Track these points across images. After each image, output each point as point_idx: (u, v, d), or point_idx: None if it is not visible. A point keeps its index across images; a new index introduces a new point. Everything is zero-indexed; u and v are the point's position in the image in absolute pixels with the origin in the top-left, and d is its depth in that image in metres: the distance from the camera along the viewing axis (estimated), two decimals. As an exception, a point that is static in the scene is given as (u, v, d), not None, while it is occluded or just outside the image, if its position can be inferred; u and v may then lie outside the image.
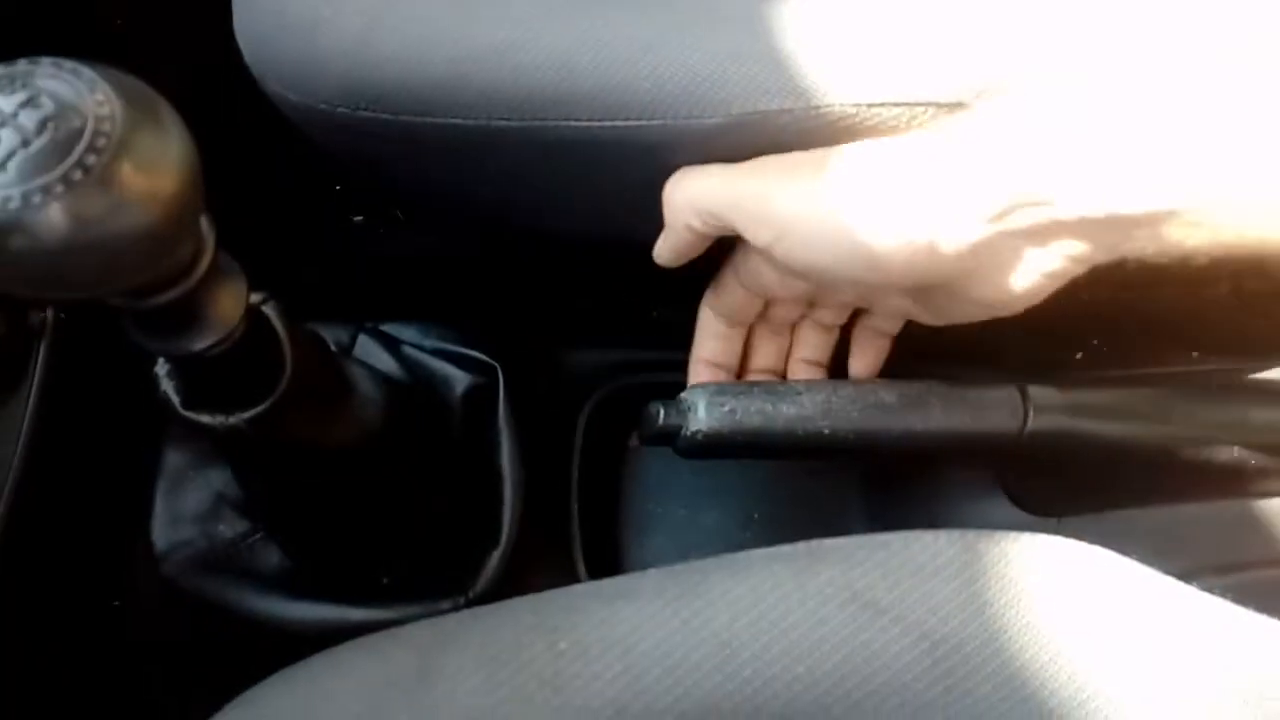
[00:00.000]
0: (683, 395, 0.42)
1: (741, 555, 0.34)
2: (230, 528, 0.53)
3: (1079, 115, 0.32)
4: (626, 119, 0.42)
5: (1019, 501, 0.54)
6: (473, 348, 0.54)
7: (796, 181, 0.38)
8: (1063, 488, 0.54)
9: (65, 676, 0.57)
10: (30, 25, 0.67)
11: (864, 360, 0.48)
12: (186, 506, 0.54)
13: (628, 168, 0.45)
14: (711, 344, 0.48)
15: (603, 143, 0.43)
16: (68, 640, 0.57)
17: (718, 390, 0.41)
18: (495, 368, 0.53)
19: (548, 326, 0.66)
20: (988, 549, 0.33)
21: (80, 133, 0.24)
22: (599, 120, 0.42)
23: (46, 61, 0.25)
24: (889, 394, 0.41)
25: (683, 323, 0.70)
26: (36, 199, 0.24)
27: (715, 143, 0.42)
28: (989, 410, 0.42)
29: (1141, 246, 0.33)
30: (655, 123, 0.42)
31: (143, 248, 0.26)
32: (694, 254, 0.44)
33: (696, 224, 0.41)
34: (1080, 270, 0.36)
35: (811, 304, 0.47)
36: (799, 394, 0.41)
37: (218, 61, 0.49)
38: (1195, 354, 0.65)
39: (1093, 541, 0.55)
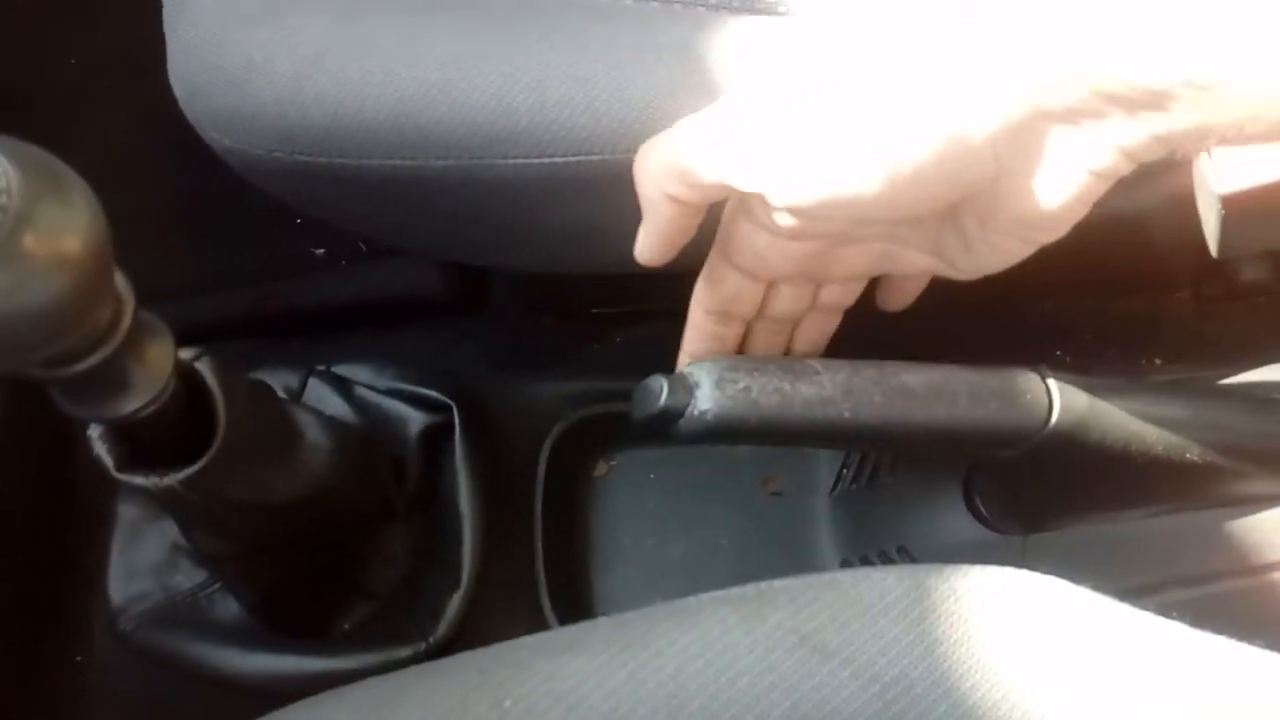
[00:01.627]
0: (687, 370, 0.36)
1: (691, 600, 0.33)
2: (187, 578, 0.53)
3: None
4: (565, 155, 0.42)
5: (984, 520, 0.54)
6: (428, 386, 0.53)
7: (790, 99, 0.32)
8: (1027, 504, 0.54)
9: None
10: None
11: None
12: (143, 559, 0.53)
13: (569, 203, 0.44)
14: (703, 347, 0.41)
15: (542, 179, 0.43)
16: (29, 693, 0.56)
17: (729, 366, 0.36)
18: (450, 406, 0.52)
19: (506, 359, 0.66)
20: (937, 585, 0.32)
21: (-25, 209, 0.24)
22: (538, 157, 0.42)
23: (-59, 136, 0.25)
24: (912, 377, 0.37)
25: (645, 347, 0.70)
26: (-70, 280, 0.23)
27: (655, 176, 0.42)
28: (1016, 401, 0.38)
29: (1187, 131, 0.28)
30: (594, 158, 0.42)
31: (49, 319, 0.26)
32: (682, 238, 0.37)
33: (674, 188, 0.35)
34: (1127, 169, 0.31)
35: (817, 282, 0.41)
36: (818, 373, 0.36)
37: (164, 104, 0.48)
38: (1158, 361, 0.65)
39: (1058, 558, 0.55)
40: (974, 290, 0.60)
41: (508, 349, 0.71)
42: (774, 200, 0.32)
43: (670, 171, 0.35)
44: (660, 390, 0.35)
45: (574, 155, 0.42)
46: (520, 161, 0.42)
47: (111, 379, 0.31)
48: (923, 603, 0.32)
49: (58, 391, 0.32)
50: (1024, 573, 0.34)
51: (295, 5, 0.44)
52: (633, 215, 0.45)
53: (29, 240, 0.24)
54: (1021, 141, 0.30)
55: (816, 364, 0.37)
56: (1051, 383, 0.39)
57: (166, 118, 0.48)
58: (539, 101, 0.41)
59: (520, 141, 0.41)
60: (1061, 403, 0.38)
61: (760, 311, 0.41)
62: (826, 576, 0.33)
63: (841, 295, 0.41)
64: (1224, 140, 0.29)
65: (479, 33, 0.42)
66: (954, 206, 0.33)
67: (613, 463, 0.62)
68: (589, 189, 0.43)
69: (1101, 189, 0.31)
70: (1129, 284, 0.66)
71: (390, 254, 0.72)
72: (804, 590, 0.32)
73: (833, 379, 0.36)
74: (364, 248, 0.75)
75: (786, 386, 0.35)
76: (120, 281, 0.30)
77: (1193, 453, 0.43)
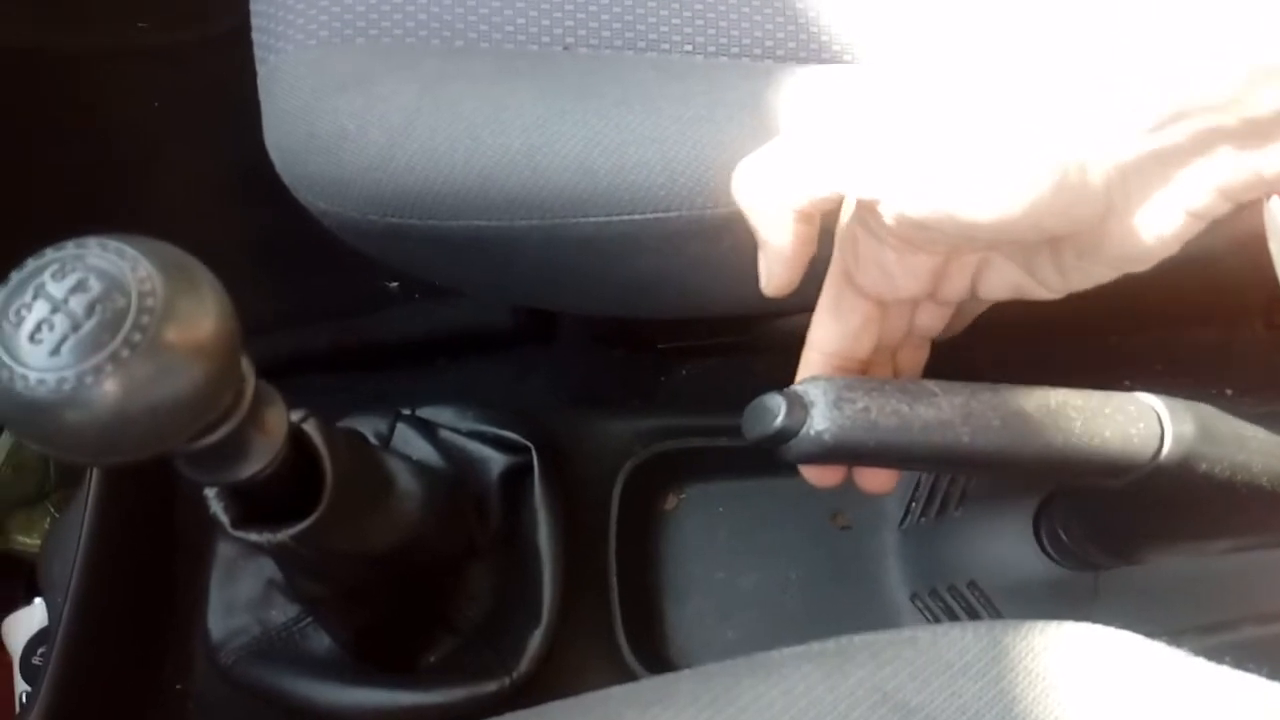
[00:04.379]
0: (801, 389, 0.35)
1: (774, 654, 0.35)
2: (282, 613, 0.55)
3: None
4: (644, 213, 0.44)
5: (1055, 556, 0.54)
6: (507, 427, 0.55)
7: (910, 113, 0.32)
8: (1115, 534, 0.53)
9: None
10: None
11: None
12: (240, 594, 0.56)
13: (647, 255, 0.46)
14: None
15: (623, 236, 0.44)
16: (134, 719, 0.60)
17: (846, 385, 0.35)
18: (529, 447, 0.54)
19: (576, 392, 0.68)
20: (1014, 642, 0.33)
21: (126, 311, 0.26)
22: (617, 215, 0.44)
23: (92, 243, 0.27)
24: (1028, 402, 0.36)
25: (711, 381, 0.71)
26: (89, 379, 0.25)
27: (730, 229, 0.44)
28: (1129, 430, 0.37)
29: None
30: (671, 215, 0.43)
31: (191, 406, 0.28)
32: (807, 253, 0.36)
33: (802, 203, 0.34)
34: (1223, 210, 0.31)
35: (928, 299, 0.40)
36: (935, 395, 0.35)
37: (241, 141, 0.50)
38: (1229, 392, 0.65)
39: (1132, 595, 0.55)
40: (1042, 320, 0.60)
41: (577, 382, 0.73)
42: (886, 209, 0.32)
43: (794, 184, 0.34)
44: (777, 409, 0.34)
45: (652, 213, 0.43)
46: (601, 220, 0.44)
47: (234, 448, 0.33)
48: (1001, 661, 0.33)
49: (182, 462, 0.34)
50: (1100, 629, 0.35)
51: (385, 73, 0.46)
52: (705, 263, 0.47)
53: (171, 339, 0.27)
54: (1134, 182, 0.31)
55: (934, 386, 0.36)
56: (1163, 410, 0.38)
57: (244, 155, 0.50)
58: (618, 164, 0.43)
59: (601, 202, 0.43)
60: (1174, 431, 0.38)
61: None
62: (906, 633, 0.34)
63: (932, 321, 0.41)
64: None
65: (559, 99, 0.44)
66: (1056, 239, 0.34)
67: (682, 496, 0.64)
68: (666, 242, 0.44)
69: (1197, 229, 0.32)
70: (1200, 315, 0.66)
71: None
72: (885, 647, 0.33)
73: (950, 402, 0.35)
74: (437, 282, 0.77)
75: (905, 408, 0.34)
76: (244, 360, 0.32)
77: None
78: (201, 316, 0.28)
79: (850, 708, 0.32)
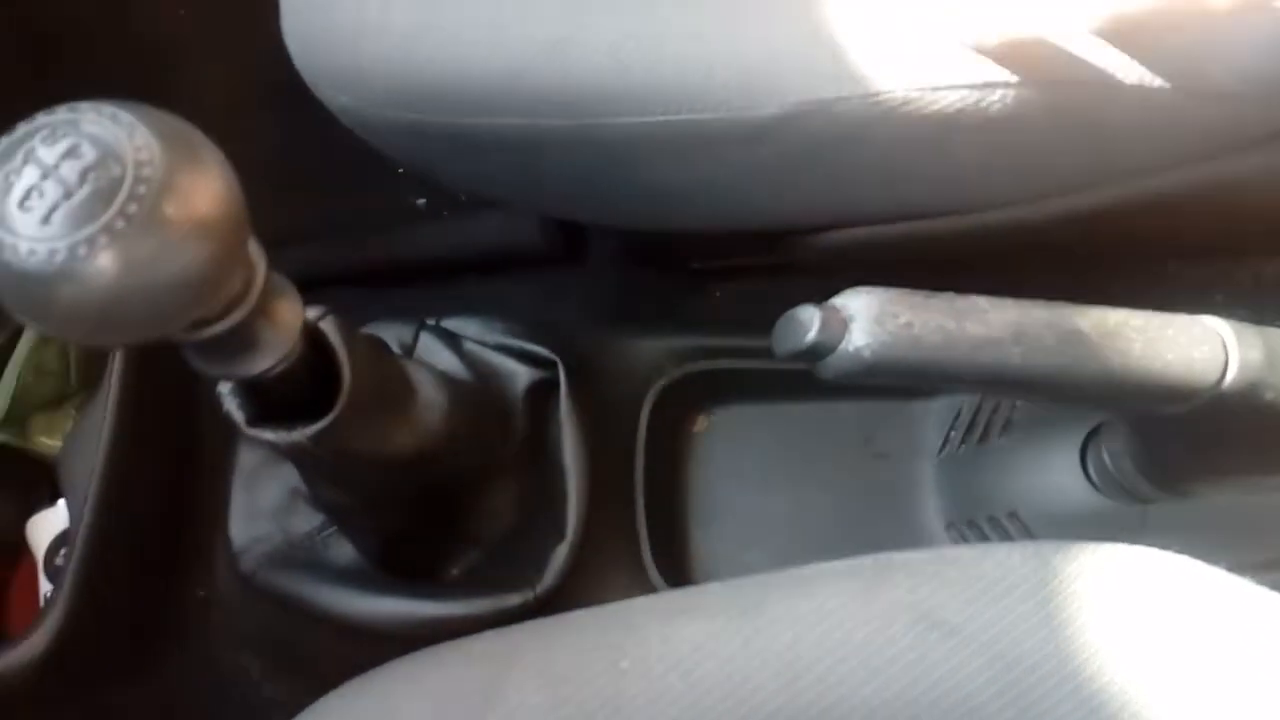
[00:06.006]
0: (840, 302, 0.33)
1: (807, 569, 0.33)
2: (305, 521, 0.55)
3: None
4: (679, 113, 0.41)
5: (1101, 487, 0.52)
6: (534, 341, 0.53)
7: None
8: (1169, 465, 0.51)
9: (154, 662, 0.59)
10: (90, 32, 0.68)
11: None
12: (262, 502, 0.55)
13: (682, 162, 0.43)
14: None
15: (655, 138, 0.42)
16: (157, 623, 0.60)
17: (889, 299, 0.32)
18: (556, 362, 0.52)
19: (606, 312, 0.66)
20: (1063, 564, 0.31)
21: (121, 180, 0.24)
22: (651, 116, 0.41)
23: (86, 107, 0.25)
24: (1084, 321, 0.34)
25: (744, 303, 0.69)
26: (82, 251, 0.24)
27: (771, 133, 0.41)
28: (1193, 352, 0.35)
29: None
30: (708, 116, 0.41)
31: (191, 287, 0.26)
32: None
33: None
34: None
35: None
36: (985, 311, 0.33)
37: (268, 53, 0.48)
38: (1292, 323, 0.61)
39: (1181, 529, 0.53)
40: (1096, 245, 0.57)
41: (607, 302, 0.71)
42: None
43: None
44: (810, 322, 0.32)
45: (688, 114, 0.41)
46: (633, 120, 0.41)
47: (244, 340, 0.32)
48: (1049, 582, 0.31)
49: (190, 352, 0.33)
50: (1153, 551, 0.33)
51: (408, -40, 0.43)
52: (744, 171, 0.44)
53: (169, 212, 0.25)
54: None
55: (983, 302, 0.33)
56: (1229, 334, 0.36)
57: (271, 67, 0.48)
58: (653, 60, 0.40)
59: (632, 101, 0.41)
60: (1240, 356, 0.36)
61: None
62: (949, 552, 0.32)
63: None
64: None
65: (593, -13, 0.41)
66: None
67: (712, 418, 0.62)
68: (703, 147, 0.42)
69: None
70: (1262, 244, 0.62)
71: (489, 205, 0.72)
72: (925, 565, 0.32)
73: (1001, 319, 0.33)
74: (463, 198, 0.75)
75: (952, 325, 0.32)
76: (252, 245, 0.30)
77: None
78: (204, 191, 0.26)
79: (886, 624, 0.30)
